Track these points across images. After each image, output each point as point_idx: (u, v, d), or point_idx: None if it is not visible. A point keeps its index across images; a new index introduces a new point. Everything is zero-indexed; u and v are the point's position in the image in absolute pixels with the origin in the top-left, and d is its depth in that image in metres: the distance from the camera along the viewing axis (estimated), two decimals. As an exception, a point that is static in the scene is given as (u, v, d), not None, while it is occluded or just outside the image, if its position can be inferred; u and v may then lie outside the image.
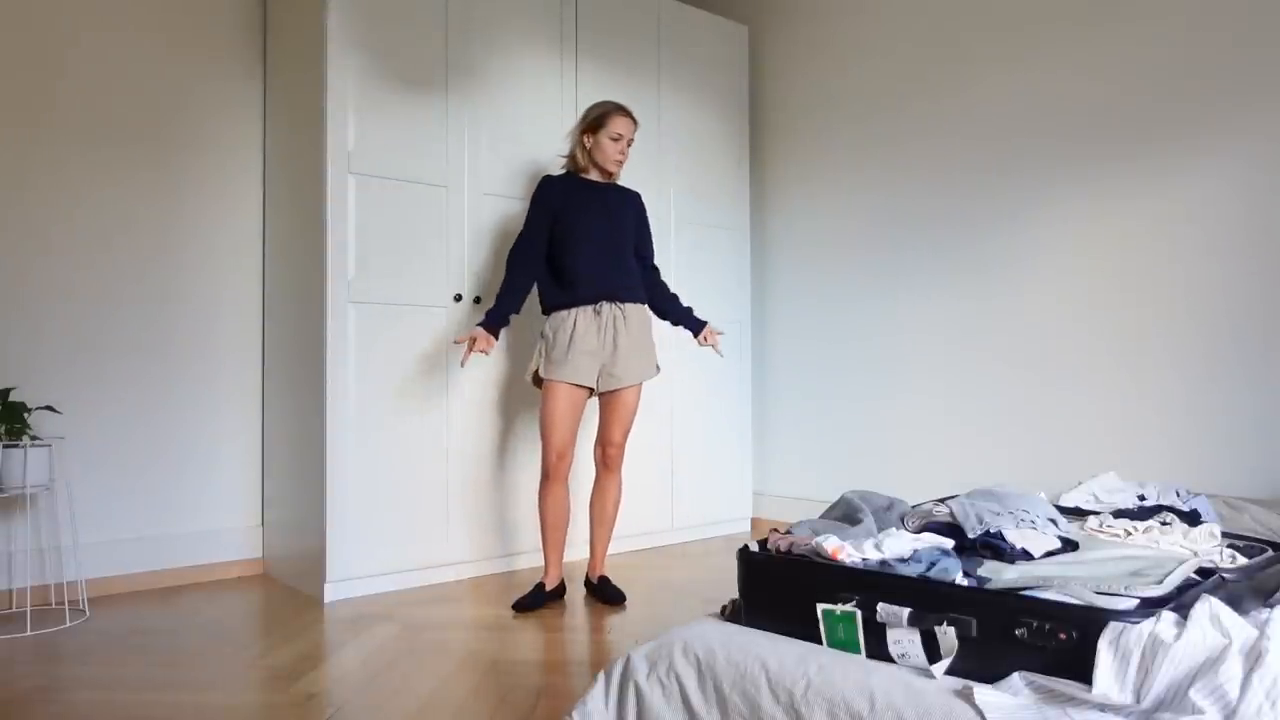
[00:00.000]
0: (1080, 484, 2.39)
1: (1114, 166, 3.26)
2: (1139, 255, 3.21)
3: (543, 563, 3.29)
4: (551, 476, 2.93)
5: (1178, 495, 2.19)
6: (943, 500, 1.97)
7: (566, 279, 2.95)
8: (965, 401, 3.71)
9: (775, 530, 1.71)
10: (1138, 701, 1.14)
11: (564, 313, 2.94)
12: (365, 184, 3.13)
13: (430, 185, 3.28)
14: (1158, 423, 3.16)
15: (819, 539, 1.56)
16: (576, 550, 3.56)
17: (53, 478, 2.91)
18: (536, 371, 2.97)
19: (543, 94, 3.60)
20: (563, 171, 3.07)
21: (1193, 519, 1.99)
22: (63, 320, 3.09)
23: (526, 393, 3.53)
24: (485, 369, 3.42)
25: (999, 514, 1.70)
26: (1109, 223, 3.28)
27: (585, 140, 2.99)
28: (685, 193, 4.07)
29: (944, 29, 3.78)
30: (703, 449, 4.14)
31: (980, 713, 1.17)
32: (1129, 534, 1.75)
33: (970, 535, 1.64)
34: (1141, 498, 2.20)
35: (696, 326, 3.13)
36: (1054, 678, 1.21)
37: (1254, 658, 1.13)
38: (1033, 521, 1.69)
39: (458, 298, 3.33)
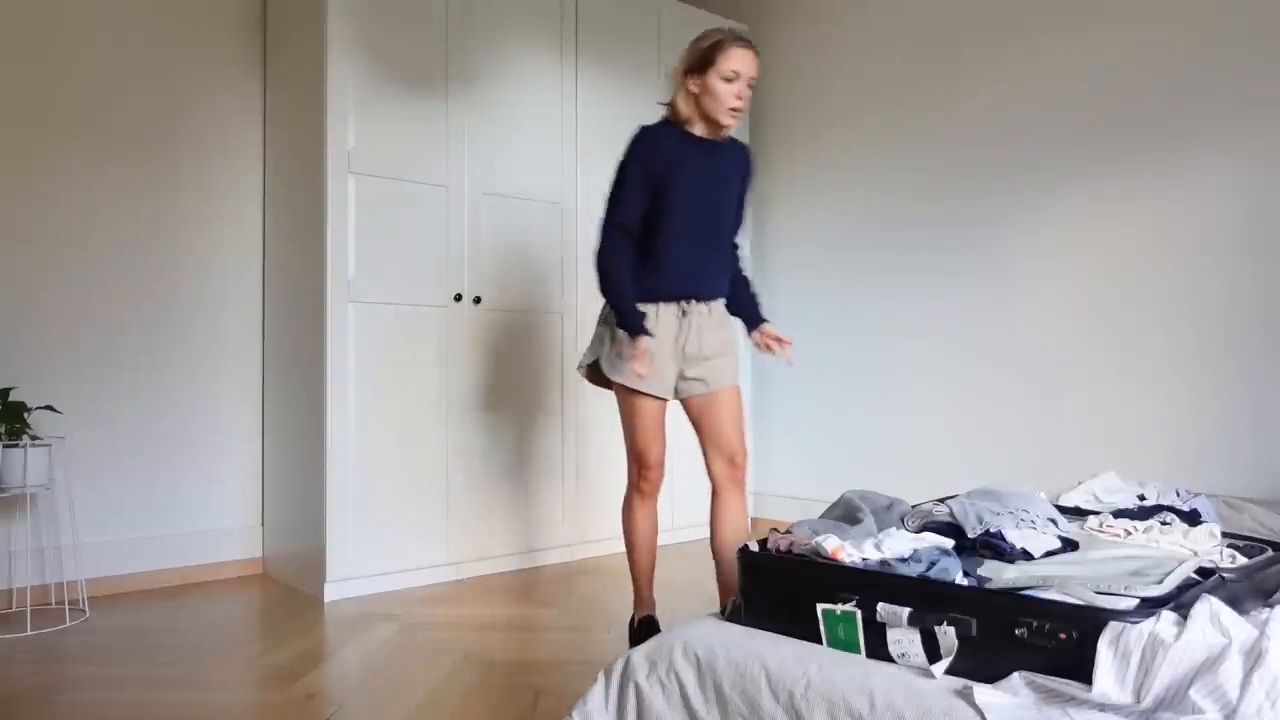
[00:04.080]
0: (1080, 484, 2.39)
1: (1115, 167, 3.26)
2: (1139, 255, 3.21)
3: (633, 589, 2.57)
4: (647, 493, 2.48)
5: (1178, 495, 2.19)
6: (943, 500, 1.97)
7: (652, 264, 2.33)
8: (965, 401, 3.71)
9: (775, 530, 1.71)
10: (1138, 701, 1.14)
11: (643, 307, 2.34)
12: (365, 184, 3.13)
13: (430, 185, 3.28)
14: (1158, 423, 3.16)
15: (819, 539, 1.55)
16: (585, 554, 3.55)
17: (53, 478, 2.91)
18: (596, 365, 2.44)
19: (543, 94, 3.60)
20: (661, 121, 2.37)
21: (1193, 519, 1.99)
22: (63, 320, 3.09)
23: (526, 391, 3.53)
24: (485, 368, 3.42)
25: (999, 514, 1.69)
26: (1109, 222, 3.28)
27: (690, 84, 2.31)
28: (685, 193, 4.07)
29: (943, 29, 3.78)
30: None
31: (980, 713, 1.17)
32: (1129, 534, 1.75)
33: (970, 535, 1.64)
34: (1141, 498, 2.20)
35: (752, 320, 2.51)
36: (1054, 678, 1.21)
37: (1254, 657, 1.13)
38: (1033, 521, 1.69)
39: (458, 298, 3.33)
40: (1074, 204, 3.37)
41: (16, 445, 2.75)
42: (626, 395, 2.38)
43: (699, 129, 2.35)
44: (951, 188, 3.74)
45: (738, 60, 2.26)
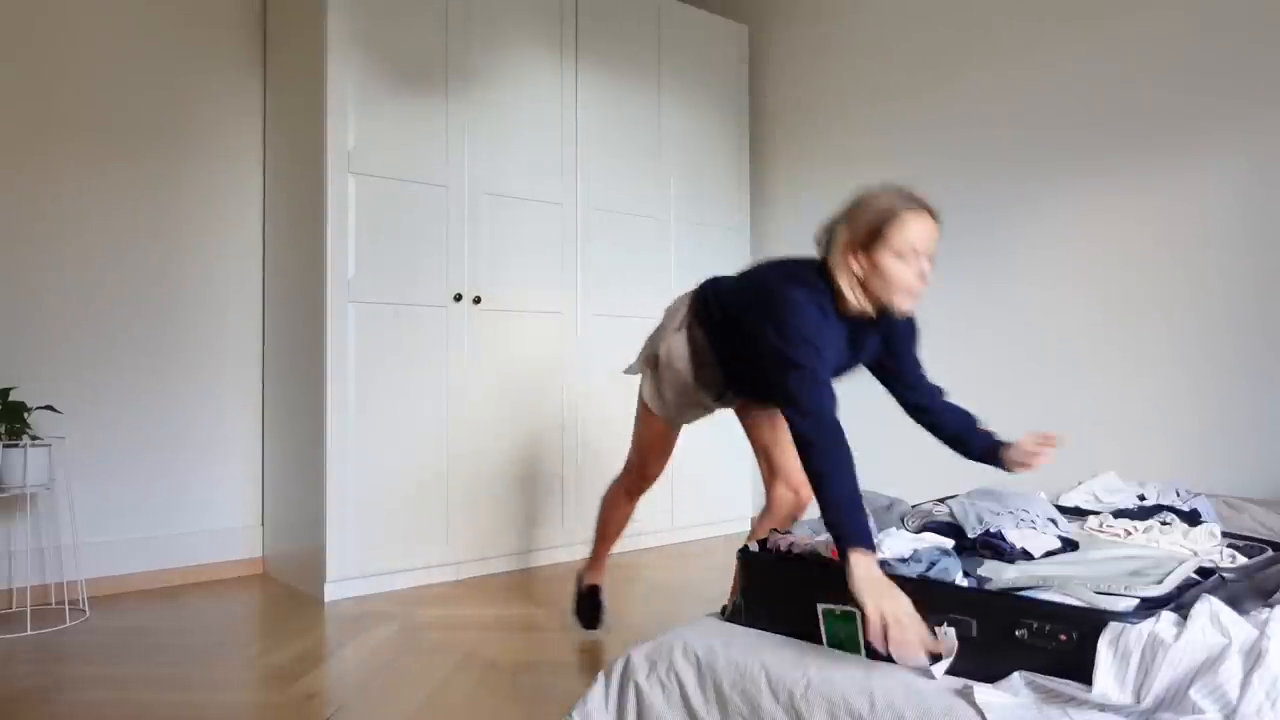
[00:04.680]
0: (1080, 484, 2.39)
1: (1115, 163, 3.26)
2: (1140, 250, 3.21)
3: (589, 562, 2.74)
4: (635, 496, 2.57)
5: (1178, 495, 2.19)
6: (943, 500, 1.97)
7: (745, 389, 2.25)
8: (964, 400, 3.69)
9: (775, 530, 1.71)
10: (1138, 701, 1.14)
11: (715, 391, 2.28)
12: (365, 184, 3.13)
13: (430, 185, 3.28)
14: (1158, 422, 3.16)
15: (819, 539, 1.56)
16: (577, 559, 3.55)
17: (53, 478, 2.91)
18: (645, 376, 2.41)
19: (543, 94, 3.60)
20: (809, 285, 1.87)
21: (1193, 519, 1.99)
22: (63, 320, 3.09)
23: (525, 392, 3.53)
24: (485, 368, 3.42)
25: (999, 514, 1.70)
26: (1109, 220, 3.28)
27: (854, 262, 1.84)
28: (685, 192, 4.07)
29: (944, 27, 3.78)
30: (703, 449, 4.14)
31: (980, 712, 1.17)
32: (1129, 534, 1.75)
33: (970, 535, 1.64)
34: (1141, 498, 2.20)
35: (993, 445, 2.12)
36: (1054, 678, 1.21)
37: (1254, 657, 1.13)
38: (1033, 521, 1.69)
39: (458, 297, 3.33)
40: (1075, 202, 3.37)
41: (16, 445, 2.75)
42: (648, 413, 2.40)
43: (859, 311, 1.91)
44: (951, 186, 3.73)
45: (915, 232, 1.79)
